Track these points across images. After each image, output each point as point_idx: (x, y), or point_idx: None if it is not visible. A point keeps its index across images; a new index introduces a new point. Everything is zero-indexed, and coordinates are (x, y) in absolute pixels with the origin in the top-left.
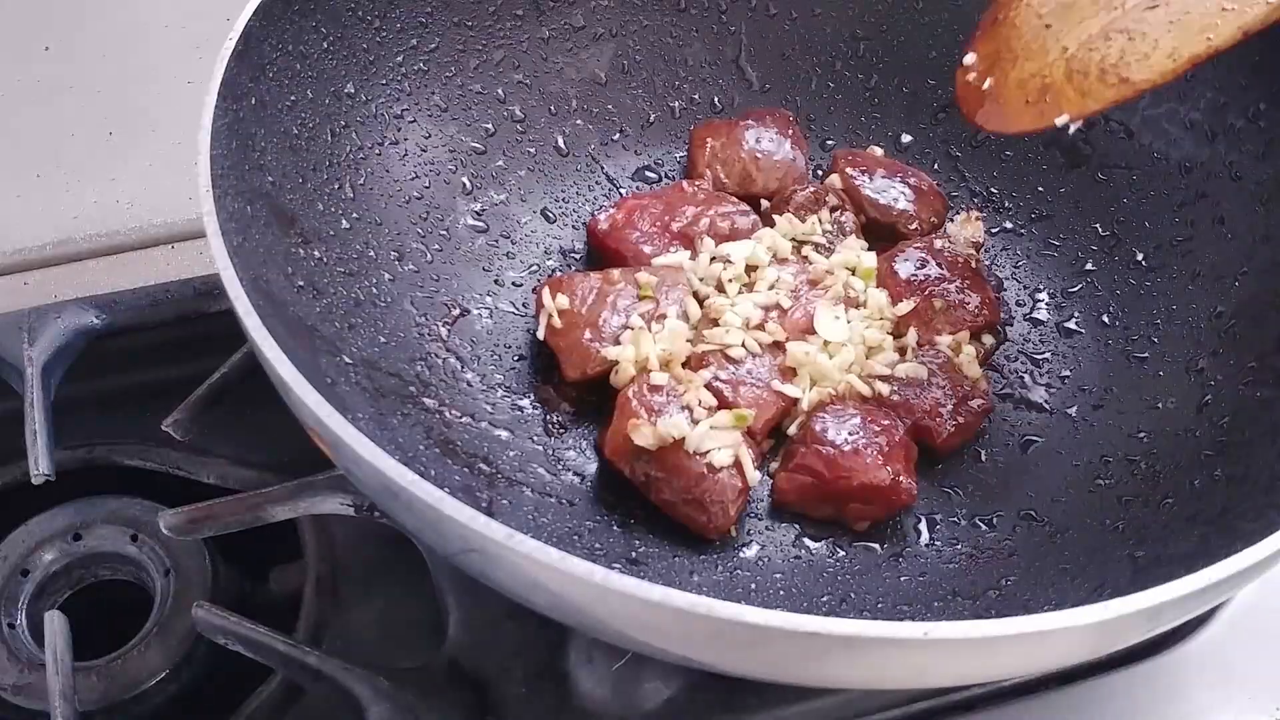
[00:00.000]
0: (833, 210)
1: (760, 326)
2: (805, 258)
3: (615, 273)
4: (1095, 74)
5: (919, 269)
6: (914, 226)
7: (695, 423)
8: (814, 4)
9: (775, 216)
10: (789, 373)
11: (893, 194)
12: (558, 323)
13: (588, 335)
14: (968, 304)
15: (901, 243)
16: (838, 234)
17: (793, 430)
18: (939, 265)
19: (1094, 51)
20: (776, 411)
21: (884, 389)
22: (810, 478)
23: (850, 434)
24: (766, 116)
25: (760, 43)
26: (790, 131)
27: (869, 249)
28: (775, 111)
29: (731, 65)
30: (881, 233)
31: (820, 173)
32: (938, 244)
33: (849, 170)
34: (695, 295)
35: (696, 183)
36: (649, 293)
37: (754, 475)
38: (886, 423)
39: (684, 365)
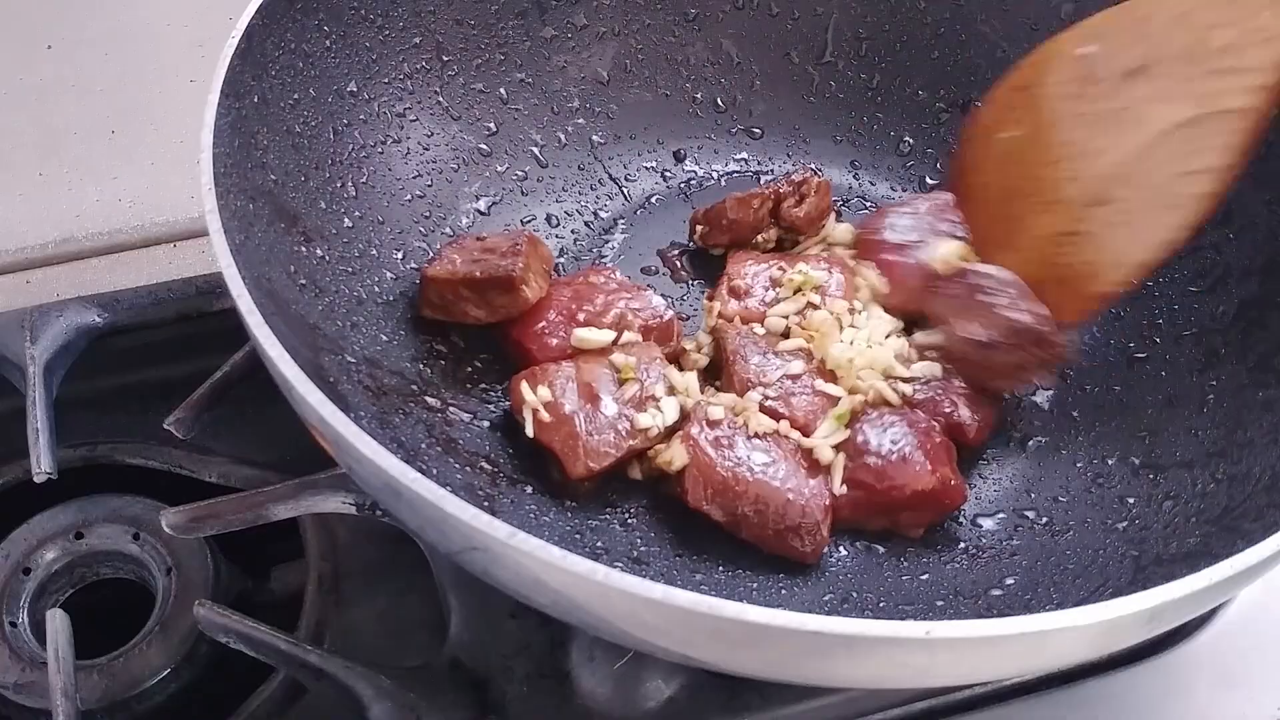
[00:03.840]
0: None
1: (785, 334)
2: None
3: (586, 359)
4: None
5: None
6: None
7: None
8: (816, 4)
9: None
10: (827, 375)
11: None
12: (545, 417)
13: (589, 433)
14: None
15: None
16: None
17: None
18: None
19: (1058, 252)
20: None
21: (907, 390)
22: (862, 491)
23: (894, 442)
24: None
25: (762, 42)
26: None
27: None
28: None
29: (734, 65)
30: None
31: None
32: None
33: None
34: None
35: (607, 272)
36: (630, 374)
37: (839, 488)
38: (924, 425)
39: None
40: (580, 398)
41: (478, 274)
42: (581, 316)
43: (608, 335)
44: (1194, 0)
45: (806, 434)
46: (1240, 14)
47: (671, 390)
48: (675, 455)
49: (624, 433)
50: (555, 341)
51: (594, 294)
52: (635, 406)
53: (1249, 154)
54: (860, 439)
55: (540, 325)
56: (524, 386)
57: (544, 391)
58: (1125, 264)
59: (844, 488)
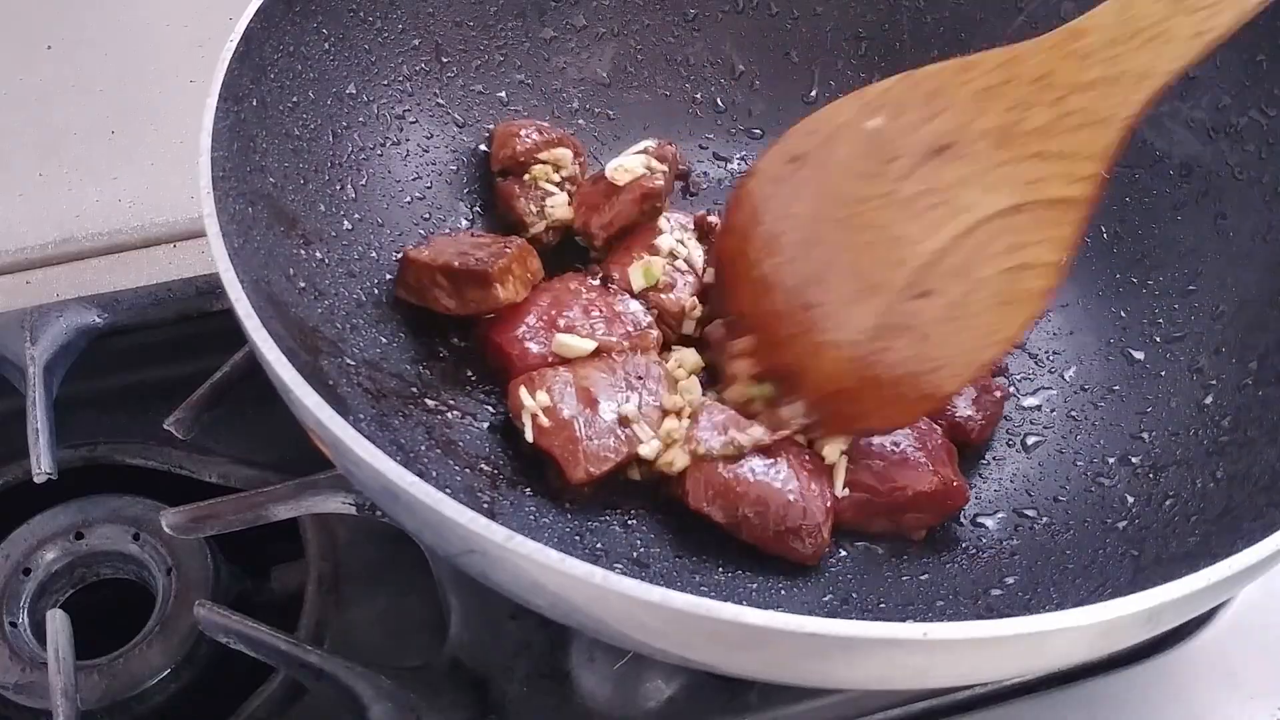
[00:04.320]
0: None
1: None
2: None
3: (584, 364)
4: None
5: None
6: None
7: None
8: (815, 4)
9: None
10: None
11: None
12: (545, 421)
13: (589, 437)
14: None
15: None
16: None
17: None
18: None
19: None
20: None
21: None
22: (865, 493)
23: (895, 444)
24: None
25: (761, 42)
26: None
27: None
28: None
29: (733, 65)
30: None
31: None
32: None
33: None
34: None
35: (585, 278)
36: (630, 381)
37: (841, 491)
38: (924, 427)
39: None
40: (579, 402)
41: (455, 264)
42: (562, 322)
43: (588, 344)
44: (990, 76)
45: None
46: (1047, 95)
47: (675, 387)
48: (676, 457)
49: (624, 437)
50: (536, 347)
51: (573, 300)
52: (634, 415)
53: (1074, 250)
54: (862, 443)
55: (520, 330)
56: (522, 391)
57: (543, 396)
58: (960, 365)
59: (846, 490)
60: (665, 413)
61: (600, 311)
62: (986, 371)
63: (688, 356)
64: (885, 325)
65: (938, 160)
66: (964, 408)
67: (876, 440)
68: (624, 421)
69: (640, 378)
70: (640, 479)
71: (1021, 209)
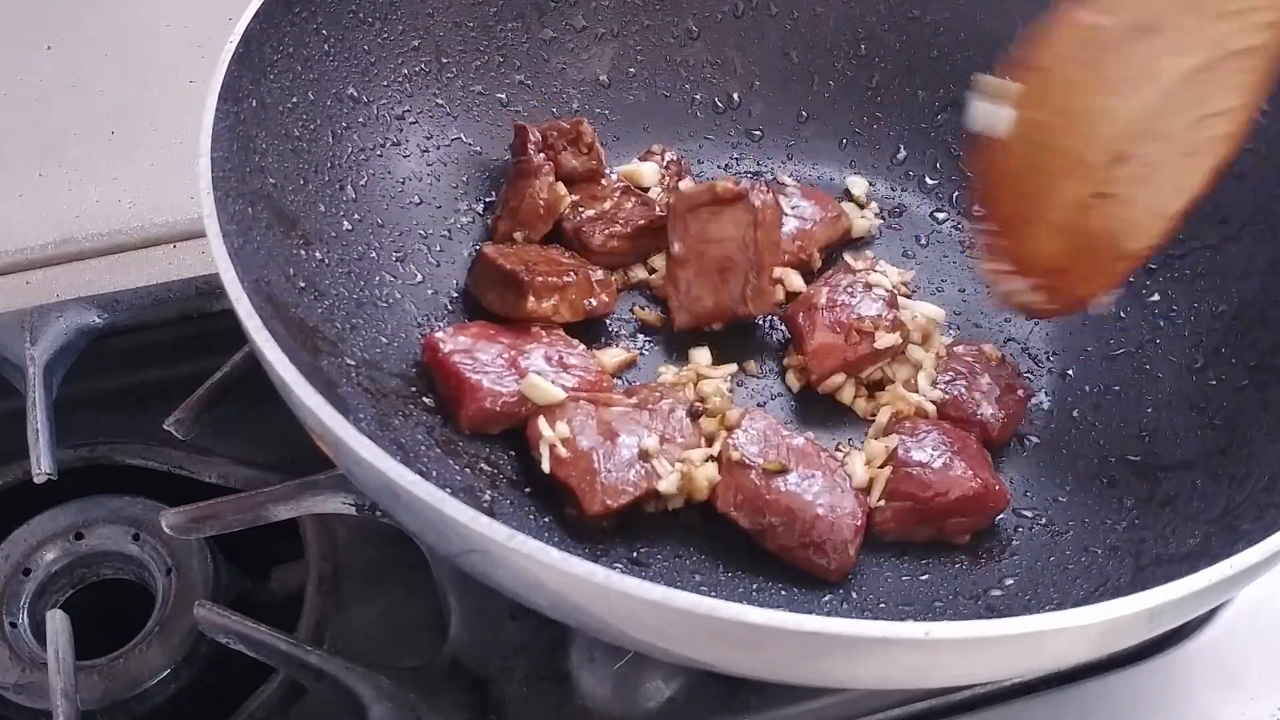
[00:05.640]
0: None
1: None
2: None
3: (609, 398)
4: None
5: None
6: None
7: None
8: (815, 4)
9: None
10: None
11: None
12: (563, 452)
13: (607, 470)
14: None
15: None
16: None
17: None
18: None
19: (1088, 218)
20: None
21: (938, 395)
22: (909, 501)
23: (933, 450)
24: None
25: (761, 43)
26: None
27: None
28: None
29: (733, 65)
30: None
31: None
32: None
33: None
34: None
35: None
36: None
37: (878, 501)
38: (960, 432)
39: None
40: (599, 435)
41: (506, 267)
42: (523, 363)
43: (558, 393)
44: None
45: None
46: None
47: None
48: (700, 485)
49: (643, 472)
50: (504, 390)
51: (531, 340)
52: (654, 450)
53: (1264, 94)
54: (901, 452)
55: (483, 373)
56: (541, 422)
57: (562, 428)
58: (1152, 219)
59: (883, 501)
60: (688, 445)
61: (556, 355)
62: (1174, 226)
63: (701, 356)
64: (1090, 195)
65: (1143, 38)
66: (987, 407)
67: (914, 451)
68: (644, 456)
69: (664, 413)
70: (654, 511)
71: (1211, 65)
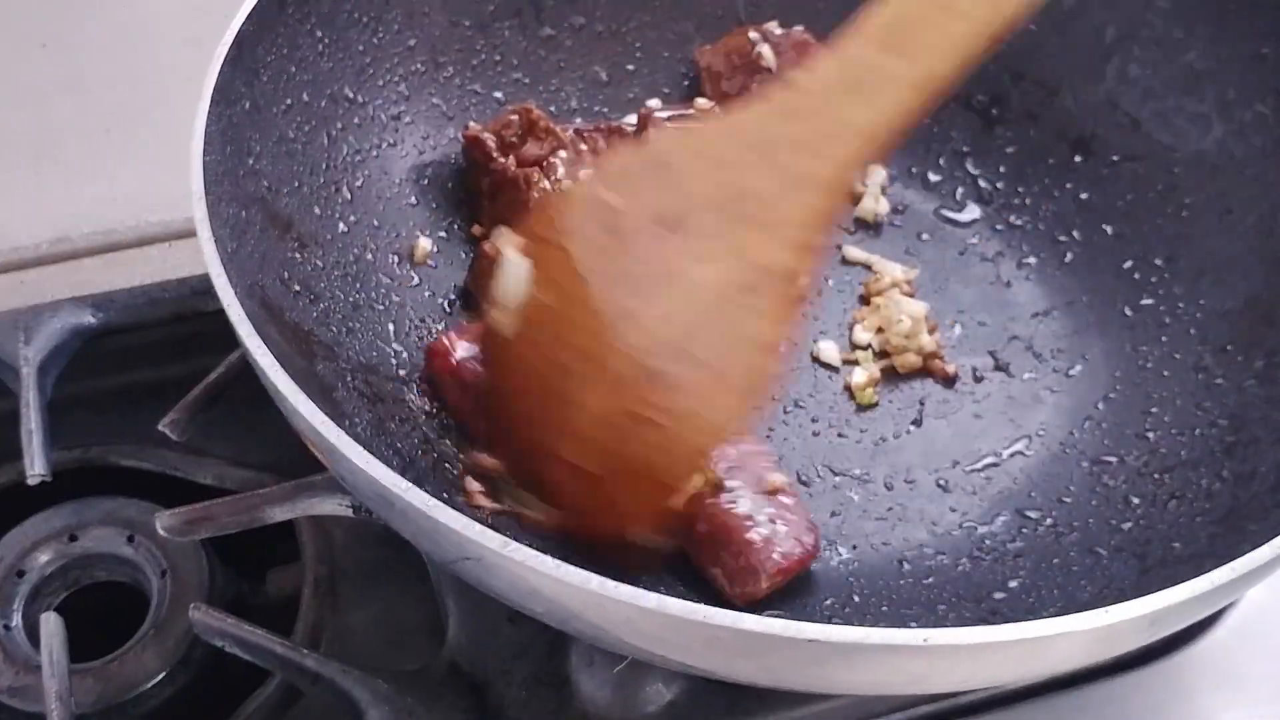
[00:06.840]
0: None
1: None
2: None
3: None
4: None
5: None
6: None
7: None
8: (816, 4)
9: None
10: None
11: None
12: None
13: None
14: None
15: None
16: None
17: None
18: None
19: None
20: None
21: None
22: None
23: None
24: None
25: None
26: None
27: None
28: None
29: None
30: None
31: None
32: None
33: None
34: None
35: None
36: None
37: None
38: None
39: None
40: None
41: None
42: None
43: None
44: (712, 137)
45: None
46: (760, 155)
47: None
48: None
49: None
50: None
51: None
52: None
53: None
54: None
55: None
56: None
57: None
58: (698, 449)
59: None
60: None
61: None
62: (710, 450)
63: None
64: (625, 413)
65: (669, 233)
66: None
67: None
68: None
69: None
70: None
71: (751, 286)
